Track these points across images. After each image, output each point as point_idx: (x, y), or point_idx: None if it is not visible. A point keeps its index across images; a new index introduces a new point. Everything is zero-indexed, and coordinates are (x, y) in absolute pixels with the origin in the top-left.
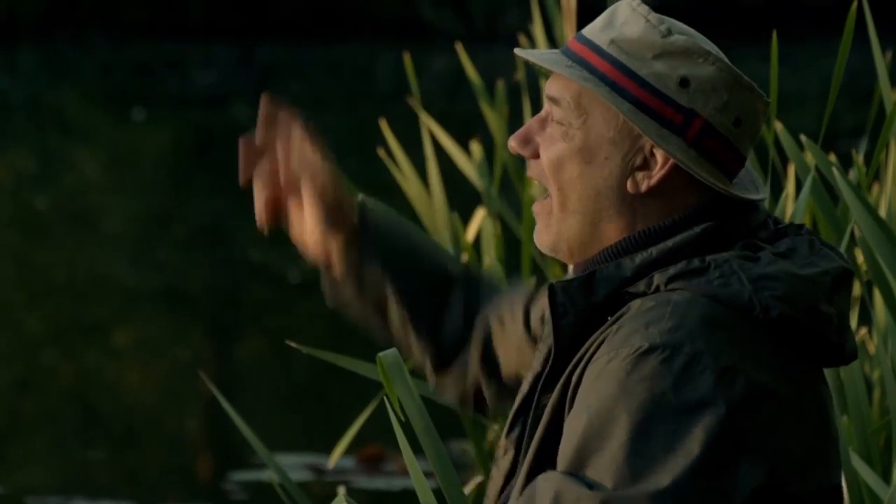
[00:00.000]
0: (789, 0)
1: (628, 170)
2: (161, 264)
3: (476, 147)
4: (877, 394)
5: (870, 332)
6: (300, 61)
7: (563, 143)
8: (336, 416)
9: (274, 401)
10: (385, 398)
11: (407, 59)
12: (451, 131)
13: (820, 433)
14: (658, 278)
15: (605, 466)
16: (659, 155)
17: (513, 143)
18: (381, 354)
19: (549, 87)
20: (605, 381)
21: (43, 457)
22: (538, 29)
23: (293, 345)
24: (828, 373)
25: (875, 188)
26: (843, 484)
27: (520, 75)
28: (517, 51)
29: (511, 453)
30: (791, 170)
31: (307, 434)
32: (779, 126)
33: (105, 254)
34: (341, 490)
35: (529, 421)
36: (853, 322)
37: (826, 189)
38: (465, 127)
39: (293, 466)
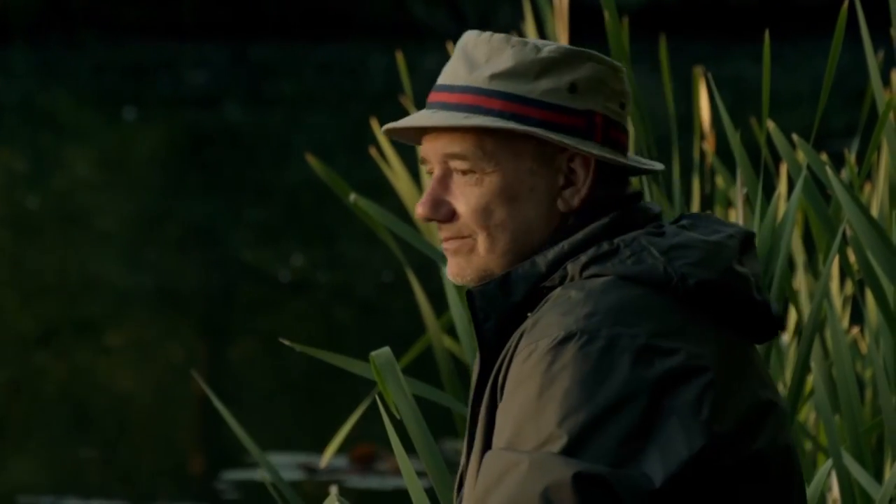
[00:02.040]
0: (781, 0)
1: (555, 192)
2: (153, 264)
3: None
4: (869, 393)
5: (862, 331)
6: (292, 61)
7: (480, 189)
8: (328, 415)
9: (266, 400)
10: (378, 397)
11: (399, 58)
12: None
13: (748, 402)
14: (571, 268)
15: (534, 441)
16: (578, 166)
17: (423, 211)
18: (373, 353)
19: (442, 148)
20: (528, 373)
21: (35, 456)
22: (530, 28)
23: (286, 342)
24: (820, 371)
25: (867, 188)
26: (834, 482)
27: None
28: (387, 127)
29: (463, 459)
30: (783, 169)
31: (300, 433)
32: (771, 125)
33: (97, 253)
34: (333, 489)
35: (468, 429)
36: (844, 321)
37: (818, 188)
38: None
39: (285, 466)
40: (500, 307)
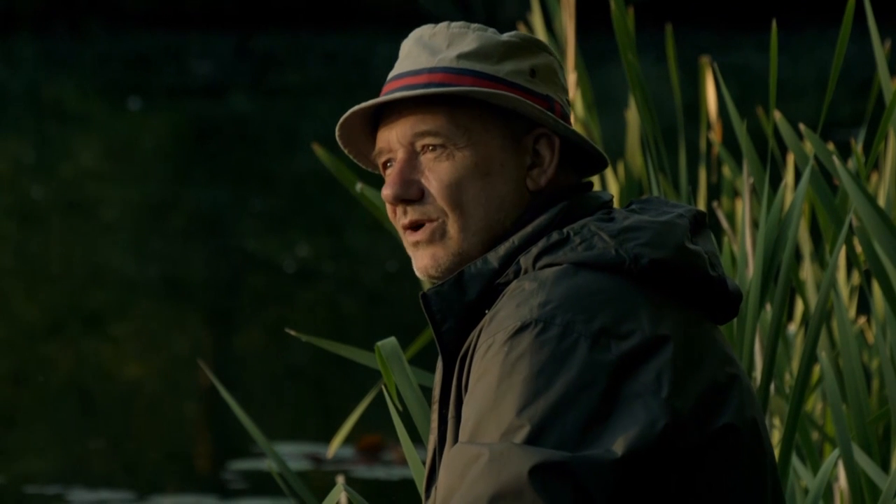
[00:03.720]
0: None
1: (523, 170)
2: (158, 254)
3: None
4: (875, 383)
5: (868, 321)
6: (297, 51)
7: (452, 163)
8: (335, 405)
9: (273, 390)
10: (384, 387)
11: None
12: None
13: (709, 378)
14: (524, 261)
15: (495, 432)
16: (543, 148)
17: (392, 191)
18: (379, 343)
19: (411, 127)
20: (487, 366)
21: (42, 446)
22: (537, 18)
23: (293, 333)
24: (827, 362)
25: (874, 177)
26: (842, 472)
27: None
28: (358, 109)
29: (429, 459)
30: (790, 159)
31: (306, 423)
32: (777, 115)
33: (102, 243)
34: (340, 479)
35: (437, 429)
36: (851, 311)
37: (825, 178)
38: None
39: (292, 456)
40: (457, 308)
